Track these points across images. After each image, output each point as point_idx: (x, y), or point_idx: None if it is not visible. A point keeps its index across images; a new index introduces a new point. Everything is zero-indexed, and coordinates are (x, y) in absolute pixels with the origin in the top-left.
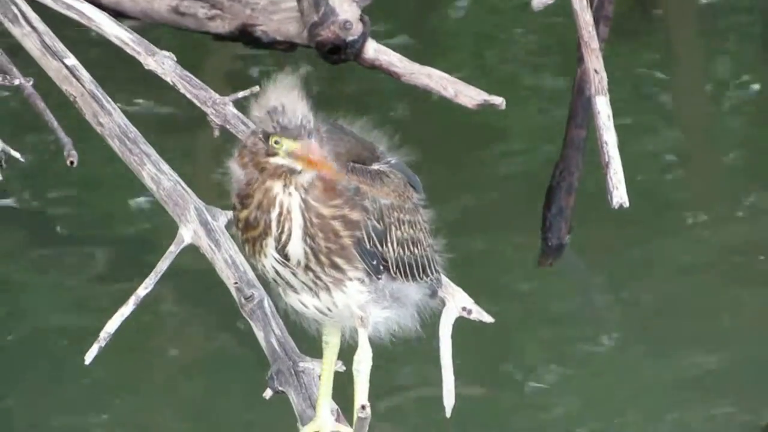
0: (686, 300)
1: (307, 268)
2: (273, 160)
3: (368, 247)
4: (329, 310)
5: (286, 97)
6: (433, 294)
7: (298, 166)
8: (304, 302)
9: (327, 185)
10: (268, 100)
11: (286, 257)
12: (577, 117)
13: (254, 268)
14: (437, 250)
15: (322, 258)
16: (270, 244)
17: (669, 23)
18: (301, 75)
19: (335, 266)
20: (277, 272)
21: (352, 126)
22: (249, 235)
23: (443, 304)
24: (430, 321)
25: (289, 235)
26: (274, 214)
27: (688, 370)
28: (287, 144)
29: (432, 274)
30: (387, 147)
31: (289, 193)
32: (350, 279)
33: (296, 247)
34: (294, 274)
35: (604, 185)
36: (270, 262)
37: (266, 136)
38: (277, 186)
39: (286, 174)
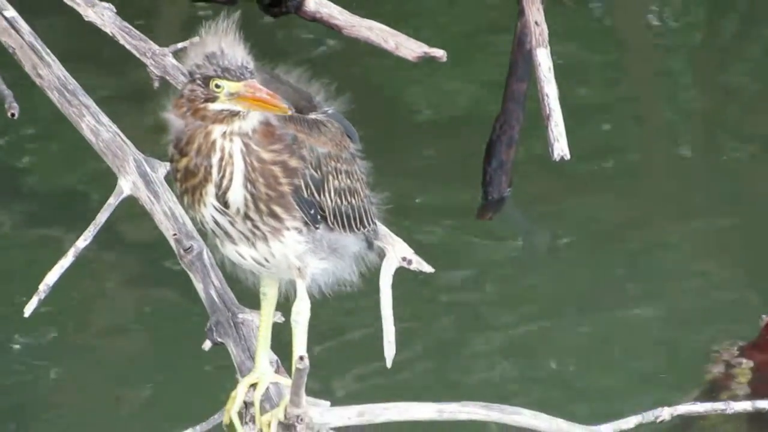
0: (624, 252)
1: (246, 216)
2: (213, 105)
3: (306, 196)
4: (266, 260)
5: (223, 42)
6: (371, 246)
7: (241, 108)
8: (242, 253)
9: (266, 130)
10: (205, 46)
11: (225, 205)
12: (517, 70)
13: (193, 220)
14: (374, 201)
15: (261, 206)
16: (210, 191)
17: None
18: (235, 20)
19: (273, 215)
20: (216, 222)
21: (288, 76)
22: (189, 183)
23: (381, 256)
24: (368, 273)
25: (230, 179)
26: (215, 159)
27: (623, 322)
28: (229, 86)
29: (369, 225)
30: (324, 97)
31: (230, 139)
32: (287, 228)
33: (237, 193)
34: (232, 224)
35: (545, 138)
36: (209, 211)
37: (206, 81)
38: (217, 130)
39: (228, 118)
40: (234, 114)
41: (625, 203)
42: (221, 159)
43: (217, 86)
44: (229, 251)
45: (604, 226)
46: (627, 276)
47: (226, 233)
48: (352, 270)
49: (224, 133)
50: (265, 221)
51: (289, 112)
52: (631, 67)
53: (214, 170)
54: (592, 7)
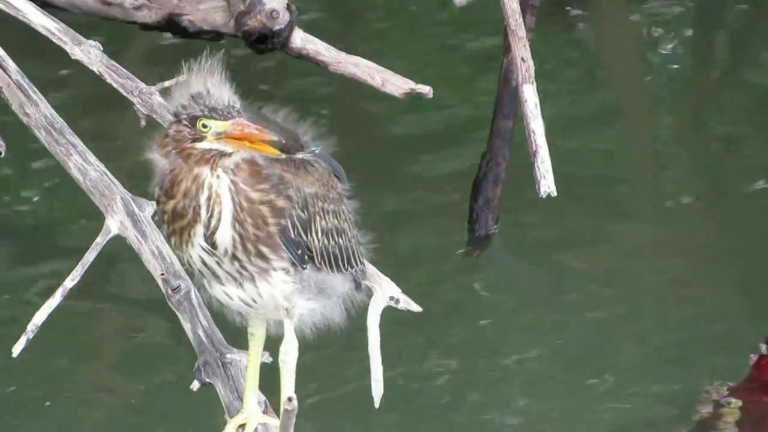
0: (615, 287)
1: (234, 257)
2: (200, 145)
3: (293, 236)
4: (254, 301)
5: (209, 82)
6: (358, 286)
7: (229, 148)
8: (229, 293)
9: (253, 169)
10: (190, 86)
11: (213, 245)
12: (503, 107)
13: (180, 260)
14: (362, 241)
15: (249, 246)
16: (198, 232)
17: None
18: (219, 61)
19: (261, 255)
20: (203, 262)
21: (275, 115)
22: (176, 225)
23: (369, 295)
24: (356, 313)
25: (219, 219)
26: (203, 198)
27: (611, 360)
28: (216, 125)
29: (357, 265)
30: (311, 137)
31: (218, 176)
32: (275, 269)
33: (225, 234)
34: (220, 264)
35: (531, 175)
36: (197, 251)
37: (193, 121)
38: (204, 171)
39: (215, 158)
40: (222, 154)
41: (613, 241)
42: (209, 198)
43: (204, 126)
44: (216, 292)
45: (591, 263)
46: (615, 314)
47: (214, 273)
48: (340, 310)
49: (211, 171)
50: (252, 262)
51: (281, 156)
52: (620, 104)
53: (203, 210)
54: (578, 40)
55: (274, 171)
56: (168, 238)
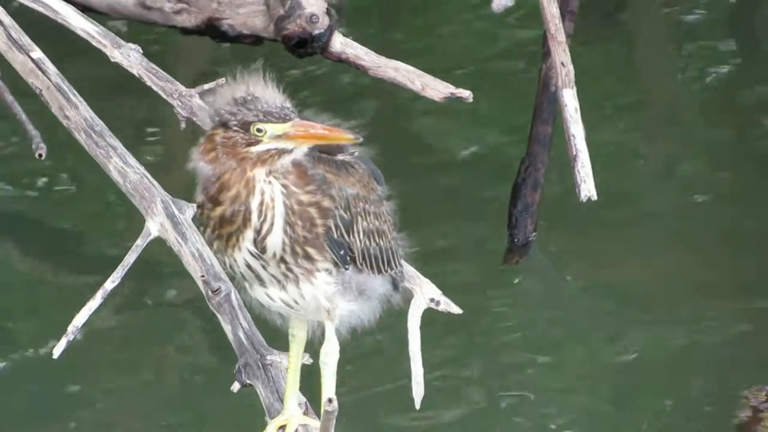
0: (654, 292)
1: (281, 260)
2: (255, 148)
3: (336, 236)
4: (296, 302)
5: (255, 87)
6: (396, 288)
7: (290, 145)
8: (271, 295)
9: (300, 171)
10: (233, 91)
11: (262, 250)
12: (542, 112)
13: (221, 263)
14: (401, 243)
15: (297, 249)
16: (248, 237)
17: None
18: (261, 66)
19: (308, 257)
20: (248, 266)
21: (316, 119)
22: (224, 231)
23: (407, 297)
24: (397, 313)
25: (271, 224)
26: (254, 203)
27: (649, 367)
28: (274, 129)
29: (396, 266)
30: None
31: (269, 181)
32: (318, 270)
33: (276, 238)
34: (265, 267)
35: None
36: (243, 255)
37: (245, 127)
38: (257, 175)
39: (274, 157)
40: (282, 152)
41: (651, 247)
42: (261, 203)
43: (259, 130)
44: (257, 294)
45: (630, 269)
46: (653, 319)
47: (258, 277)
48: (379, 312)
49: (266, 174)
50: (299, 264)
51: (359, 140)
52: (658, 108)
53: (254, 215)
54: (615, 47)
55: (317, 171)
56: (210, 243)
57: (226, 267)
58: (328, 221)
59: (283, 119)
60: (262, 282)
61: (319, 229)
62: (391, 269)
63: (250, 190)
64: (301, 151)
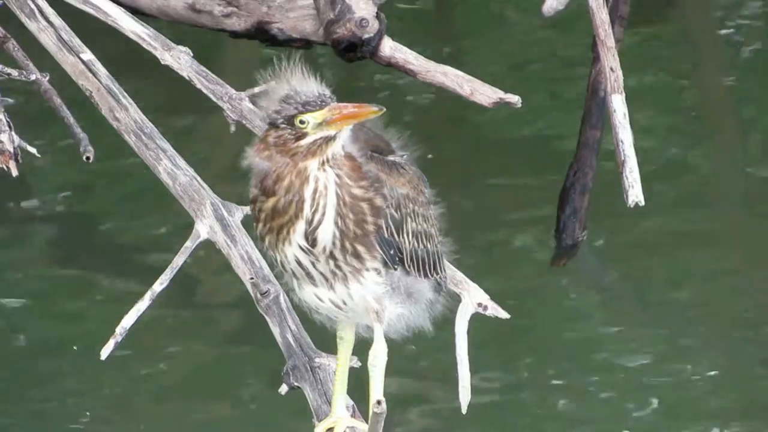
0: (702, 295)
1: (331, 255)
2: (304, 141)
3: (386, 235)
4: (344, 303)
5: (293, 82)
6: (441, 293)
7: (332, 131)
8: (320, 296)
9: (354, 165)
10: (277, 92)
11: (313, 243)
12: (591, 117)
13: (271, 265)
14: (446, 250)
15: (347, 244)
16: (299, 229)
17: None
18: (296, 60)
19: (356, 254)
20: (298, 262)
21: (365, 121)
22: (275, 223)
23: (452, 303)
24: (443, 318)
25: (323, 214)
26: (308, 192)
27: (706, 362)
28: (314, 117)
29: (441, 271)
30: (398, 144)
31: (324, 170)
32: (367, 269)
33: (327, 230)
34: (314, 264)
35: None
36: (293, 250)
37: (290, 121)
38: (312, 164)
39: (322, 147)
40: (328, 139)
41: (700, 249)
42: (315, 191)
43: (302, 122)
44: (306, 294)
45: (677, 271)
46: (703, 321)
47: (308, 274)
48: (426, 316)
49: (320, 162)
50: (348, 261)
51: (383, 111)
52: (705, 113)
53: (307, 204)
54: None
55: (370, 169)
56: (261, 239)
57: (276, 264)
58: (379, 220)
59: (320, 106)
60: (312, 280)
61: (369, 226)
62: (437, 273)
63: (303, 180)
64: (344, 136)
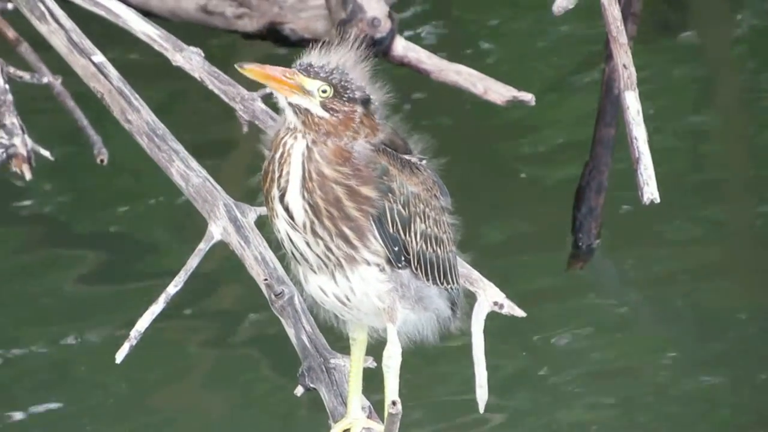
0: (720, 295)
1: (314, 232)
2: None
3: (391, 231)
4: (348, 299)
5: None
6: (454, 309)
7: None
8: (324, 289)
9: (339, 151)
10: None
11: (291, 216)
12: (605, 115)
13: (286, 268)
14: (460, 264)
15: (327, 222)
16: (275, 195)
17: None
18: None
19: (343, 237)
20: (291, 240)
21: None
22: (265, 189)
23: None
24: (460, 318)
25: (287, 181)
26: (277, 155)
27: (717, 370)
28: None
29: (453, 282)
30: (420, 149)
31: (295, 138)
32: (368, 263)
33: (295, 198)
34: (309, 245)
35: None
36: (282, 225)
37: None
38: (284, 129)
39: (289, 113)
40: (292, 107)
41: (717, 249)
42: (281, 155)
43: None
44: (312, 288)
45: (697, 274)
46: (723, 323)
47: (303, 256)
48: (434, 326)
49: (288, 129)
50: (335, 242)
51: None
52: (721, 111)
53: (275, 166)
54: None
55: (380, 162)
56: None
57: (282, 247)
58: (368, 209)
59: (307, 74)
60: (310, 266)
61: (351, 211)
62: (448, 283)
63: (278, 143)
64: (284, 104)
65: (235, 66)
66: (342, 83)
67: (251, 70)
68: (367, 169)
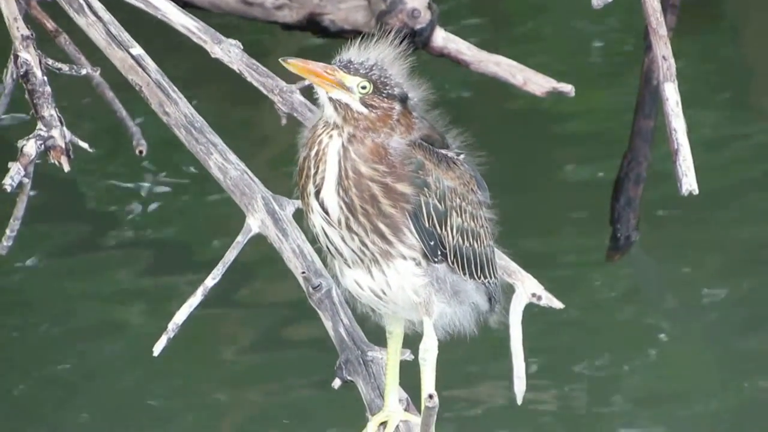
0: (757, 288)
1: (349, 228)
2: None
3: (427, 225)
4: (383, 293)
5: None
6: (492, 304)
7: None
8: (360, 282)
9: (376, 148)
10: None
11: (326, 212)
12: (644, 107)
13: (323, 260)
14: (498, 256)
15: (362, 219)
16: (310, 191)
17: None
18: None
19: (379, 233)
20: (326, 234)
21: (426, 114)
22: (301, 183)
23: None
24: (497, 310)
25: (323, 178)
26: (313, 152)
27: (754, 363)
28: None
29: (490, 277)
30: (458, 145)
31: (330, 135)
32: (404, 257)
33: (331, 196)
34: (344, 240)
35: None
36: (318, 221)
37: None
38: (321, 125)
39: (328, 109)
40: (332, 102)
41: (754, 242)
42: (317, 153)
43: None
44: (348, 282)
45: (735, 266)
46: (758, 314)
47: (338, 251)
48: (470, 319)
49: (325, 126)
50: (370, 238)
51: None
52: (759, 104)
53: (311, 164)
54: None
55: (416, 156)
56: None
57: (317, 241)
58: (405, 205)
59: (347, 71)
60: (345, 260)
61: (387, 208)
62: (485, 277)
63: (315, 140)
64: (325, 99)
65: (279, 60)
66: (381, 80)
67: (294, 64)
68: (402, 166)
